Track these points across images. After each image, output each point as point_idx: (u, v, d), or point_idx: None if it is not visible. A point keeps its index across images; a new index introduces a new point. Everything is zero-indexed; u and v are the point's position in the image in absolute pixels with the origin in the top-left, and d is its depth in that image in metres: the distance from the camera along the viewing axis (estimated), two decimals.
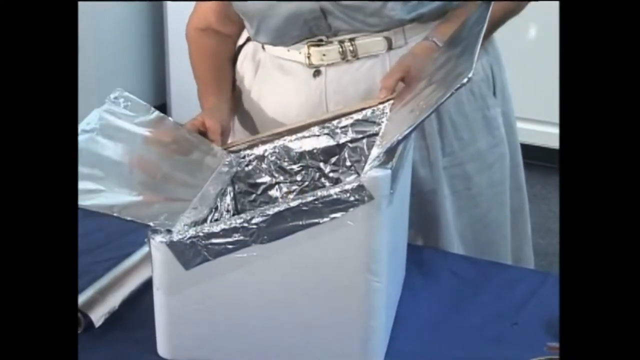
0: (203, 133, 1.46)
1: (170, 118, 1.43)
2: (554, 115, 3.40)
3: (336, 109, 1.52)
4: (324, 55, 1.55)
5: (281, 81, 1.60)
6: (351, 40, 1.53)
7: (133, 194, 1.20)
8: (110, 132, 1.29)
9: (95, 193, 1.16)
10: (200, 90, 1.68)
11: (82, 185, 1.15)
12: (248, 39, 1.68)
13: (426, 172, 1.57)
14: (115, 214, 1.15)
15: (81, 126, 1.25)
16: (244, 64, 1.68)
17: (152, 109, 1.40)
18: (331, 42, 1.54)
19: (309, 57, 1.56)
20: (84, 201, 1.13)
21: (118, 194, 1.18)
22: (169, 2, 3.57)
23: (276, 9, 1.52)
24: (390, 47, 1.54)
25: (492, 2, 1.34)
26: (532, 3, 1.63)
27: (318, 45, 1.55)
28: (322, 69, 1.56)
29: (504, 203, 1.69)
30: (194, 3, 1.73)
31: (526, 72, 3.37)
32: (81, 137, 1.23)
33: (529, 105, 3.41)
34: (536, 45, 3.37)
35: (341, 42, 1.54)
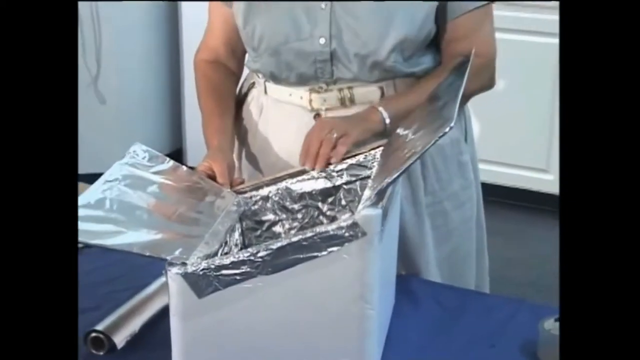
0: (212, 177, 1.46)
1: (183, 166, 1.43)
2: (536, 161, 3.40)
3: None
4: (324, 100, 1.56)
5: (284, 122, 1.60)
6: (349, 88, 1.55)
7: (151, 234, 1.21)
8: (130, 181, 1.30)
9: (117, 234, 1.17)
10: (205, 123, 1.63)
11: (104, 227, 1.17)
12: (253, 84, 1.68)
13: (411, 209, 1.57)
14: (135, 251, 1.15)
15: (104, 177, 1.28)
16: (250, 106, 1.67)
17: (168, 158, 1.41)
18: (331, 90, 1.55)
19: (310, 102, 1.56)
20: (106, 241, 1.15)
21: (137, 234, 1.19)
22: (185, 57, 3.60)
23: (291, 46, 1.53)
24: (382, 95, 1.55)
25: (470, 60, 1.36)
26: (501, 57, 1.65)
27: (319, 92, 1.56)
28: (322, 112, 1.56)
29: (472, 238, 1.70)
30: None
31: (512, 124, 3.38)
32: (104, 186, 1.26)
33: (514, 152, 3.44)
34: (525, 98, 3.38)
35: (340, 89, 1.55)
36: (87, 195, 1.23)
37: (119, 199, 1.25)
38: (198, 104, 1.68)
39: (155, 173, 1.36)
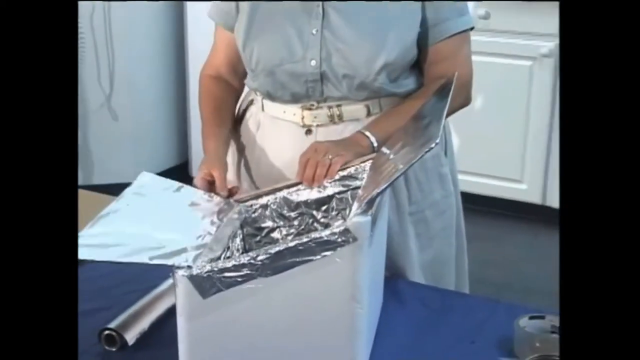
0: (211, 182, 1.45)
1: (187, 186, 1.43)
2: (510, 172, 3.41)
3: None
4: (315, 117, 1.55)
5: (278, 137, 1.60)
6: (338, 106, 1.54)
7: (158, 245, 1.21)
8: (139, 204, 1.32)
9: (125, 248, 1.18)
10: (204, 129, 1.64)
11: (113, 241, 1.19)
12: (252, 101, 1.68)
13: (395, 218, 1.57)
14: (144, 261, 1.16)
15: (115, 202, 1.30)
16: (249, 122, 1.67)
17: (172, 181, 1.42)
18: (321, 107, 1.55)
19: (302, 118, 1.56)
20: (120, 258, 1.16)
21: (145, 247, 1.19)
22: (191, 78, 3.60)
23: (285, 67, 1.53)
24: (368, 113, 1.55)
25: (453, 82, 1.36)
26: (478, 78, 1.64)
27: (310, 109, 1.55)
28: (313, 128, 1.56)
29: (452, 243, 1.69)
30: None
31: (489, 138, 3.39)
32: (114, 208, 1.28)
33: (491, 164, 3.44)
34: (500, 114, 3.38)
35: (330, 107, 1.55)
36: (99, 217, 1.25)
37: (129, 219, 1.26)
38: (199, 112, 1.67)
39: (161, 193, 1.38)
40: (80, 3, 3.41)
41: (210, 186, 1.46)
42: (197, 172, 1.49)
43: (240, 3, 1.59)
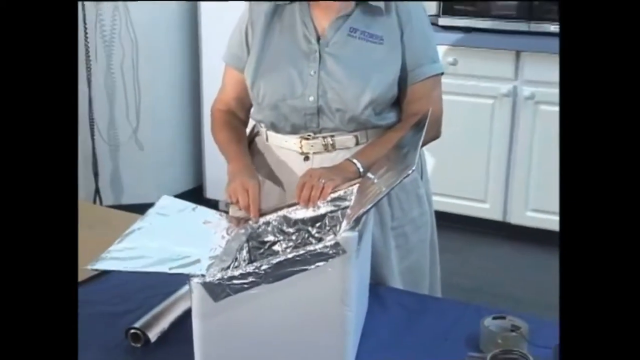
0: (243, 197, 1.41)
1: (202, 207, 1.41)
2: (476, 194, 3.42)
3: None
4: (312, 146, 1.55)
5: (281, 163, 1.60)
6: (331, 136, 1.54)
7: (177, 258, 1.20)
8: (160, 222, 1.31)
9: (146, 260, 1.18)
10: (224, 152, 1.60)
11: (135, 253, 1.18)
12: (257, 133, 1.67)
13: (379, 232, 1.56)
14: (168, 271, 1.16)
15: (138, 221, 1.29)
16: (255, 150, 1.66)
17: (190, 203, 1.41)
18: (317, 138, 1.55)
19: (301, 147, 1.56)
20: (144, 268, 1.16)
21: (167, 259, 1.19)
22: (205, 114, 3.61)
23: (287, 102, 1.53)
24: (357, 143, 1.55)
25: (428, 117, 1.36)
26: (448, 114, 1.64)
27: (307, 139, 1.55)
28: (310, 155, 1.56)
29: (427, 254, 1.68)
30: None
31: (457, 164, 3.40)
32: (138, 226, 1.27)
33: (459, 186, 3.45)
34: (467, 144, 3.39)
35: (324, 137, 1.55)
36: (125, 234, 1.24)
37: (151, 236, 1.25)
38: (214, 141, 1.65)
39: (179, 213, 1.37)
40: (111, 52, 3.43)
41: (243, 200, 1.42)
42: (228, 186, 1.46)
43: (250, 48, 1.60)
